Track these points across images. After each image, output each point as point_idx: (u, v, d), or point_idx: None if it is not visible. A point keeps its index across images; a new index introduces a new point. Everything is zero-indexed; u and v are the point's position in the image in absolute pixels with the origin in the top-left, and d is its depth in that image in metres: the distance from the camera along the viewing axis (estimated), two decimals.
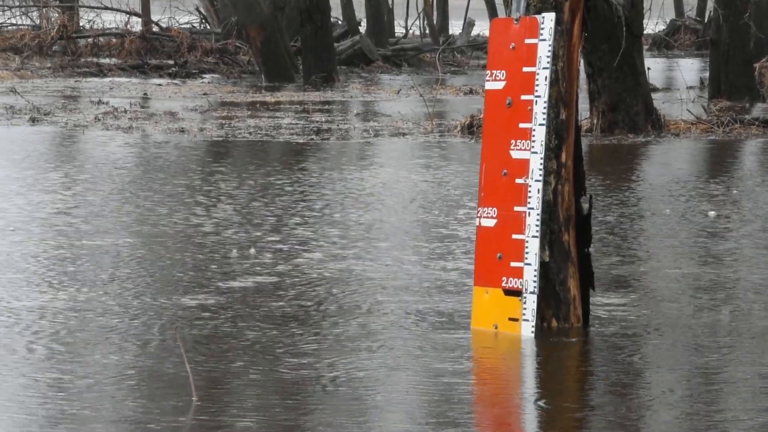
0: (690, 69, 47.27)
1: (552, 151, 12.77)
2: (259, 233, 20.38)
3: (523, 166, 12.72)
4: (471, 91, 42.50)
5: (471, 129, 30.63)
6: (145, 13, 61.72)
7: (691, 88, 41.24)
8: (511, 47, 13.20)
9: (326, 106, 37.86)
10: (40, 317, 14.17)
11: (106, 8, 62.58)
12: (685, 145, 30.17)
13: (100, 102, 39.68)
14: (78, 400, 10.43)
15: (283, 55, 45.44)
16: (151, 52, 54.51)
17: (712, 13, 44.29)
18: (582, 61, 13.65)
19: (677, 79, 44.00)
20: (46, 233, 20.65)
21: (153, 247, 19.47)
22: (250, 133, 32.02)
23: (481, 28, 63.76)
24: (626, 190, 23.40)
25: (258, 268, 17.34)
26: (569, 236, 13.05)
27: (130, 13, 58.52)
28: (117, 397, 10.73)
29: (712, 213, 23.23)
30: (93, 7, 62.58)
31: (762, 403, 10.70)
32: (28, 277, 17.55)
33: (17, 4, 59.19)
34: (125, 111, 37.51)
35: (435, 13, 62.25)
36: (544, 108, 12.70)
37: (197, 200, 23.50)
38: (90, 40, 58.74)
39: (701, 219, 22.11)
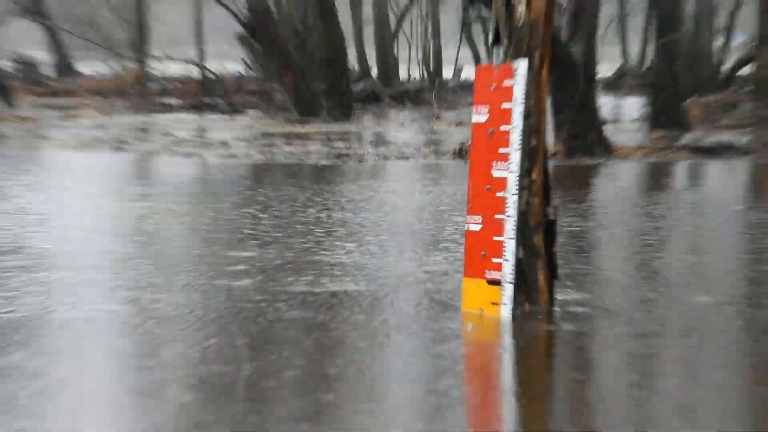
0: (633, 106, 47.14)
1: (525, 171, 13.40)
2: (289, 229, 20.48)
3: (502, 182, 13.38)
4: (460, 123, 42.63)
5: (460, 153, 30.90)
6: (201, 62, 61.18)
7: (634, 120, 41.24)
8: (492, 87, 13.78)
9: (345, 136, 38.05)
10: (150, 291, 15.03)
11: (171, 58, 62.06)
12: (629, 165, 30.65)
13: (166, 134, 39.80)
14: None
15: (310, 94, 45.50)
16: (206, 93, 54.37)
17: (651, 61, 44.14)
18: (549, 99, 13.85)
19: (624, 113, 43.86)
20: (135, 233, 21.12)
21: (210, 239, 19.85)
22: (285, 157, 32.41)
23: (468, 73, 63.41)
24: (583, 201, 23.96)
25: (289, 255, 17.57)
26: (539, 238, 13.68)
27: (189, 62, 58.10)
28: None
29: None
30: (160, 58, 62.13)
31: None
32: (143, 262, 18.07)
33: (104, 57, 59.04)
34: (186, 141, 37.55)
35: (432, 60, 62.07)
36: (519, 137, 13.25)
37: (247, 209, 23.50)
38: (159, 84, 57.93)
39: (641, 223, 22.21)
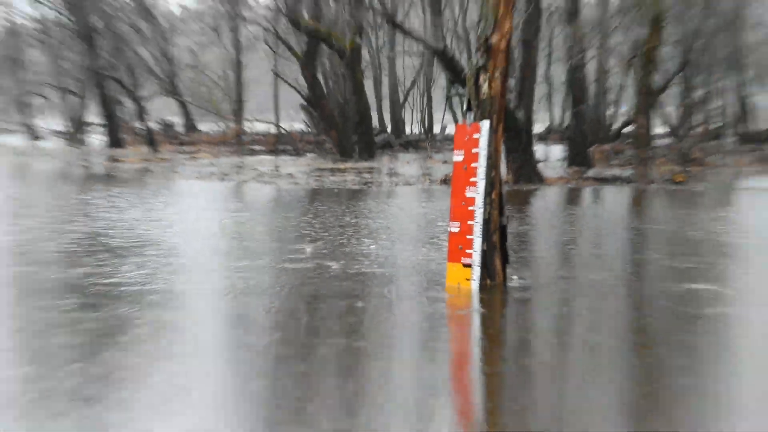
0: (556, 151, 46.57)
1: (487, 193, 13.66)
2: (333, 231, 20.21)
3: (472, 200, 13.66)
4: (445, 162, 42.42)
5: (445, 181, 30.67)
6: (277, 123, 60.68)
7: (557, 160, 40.98)
8: (466, 138, 13.99)
9: (369, 170, 37.94)
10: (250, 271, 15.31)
11: (257, 120, 61.50)
12: (554, 190, 30.45)
13: (254, 169, 39.95)
14: None
15: (347, 143, 45.37)
16: (280, 143, 54.07)
17: (568, 123, 43.71)
18: (503, 146, 13.90)
19: (550, 156, 43.41)
20: (233, 233, 20.94)
21: (281, 237, 19.77)
22: (330, 184, 32.54)
23: (450, 129, 62.87)
24: (525, 212, 23.81)
25: (325, 250, 17.63)
26: (496, 237, 13.84)
27: (269, 123, 57.78)
28: None
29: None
30: (251, 120, 61.62)
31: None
32: (237, 252, 18.22)
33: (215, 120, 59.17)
34: (267, 174, 37.42)
35: (426, 120, 61.95)
36: (484, 170, 13.50)
37: (304, 217, 23.19)
38: (249, 137, 58.04)
39: (561, 226, 22.26)
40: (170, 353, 10.24)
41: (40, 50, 57.53)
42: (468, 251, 13.49)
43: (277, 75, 57.36)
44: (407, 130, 59.21)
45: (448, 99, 43.10)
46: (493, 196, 13.57)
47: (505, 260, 13.82)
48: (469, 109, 14.01)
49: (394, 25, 38.70)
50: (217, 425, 7.90)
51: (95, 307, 12.17)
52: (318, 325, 11.88)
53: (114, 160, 43.74)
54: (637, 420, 8.24)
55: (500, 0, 14.02)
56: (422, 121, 61.07)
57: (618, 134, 45.71)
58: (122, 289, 13.47)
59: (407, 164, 42.48)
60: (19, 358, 10.26)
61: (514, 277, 14.22)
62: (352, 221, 22.27)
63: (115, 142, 51.42)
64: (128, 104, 52.13)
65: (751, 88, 49.33)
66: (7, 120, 60.14)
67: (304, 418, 8.28)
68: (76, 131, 57.16)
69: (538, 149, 38.83)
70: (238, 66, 57.40)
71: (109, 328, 11.12)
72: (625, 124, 45.17)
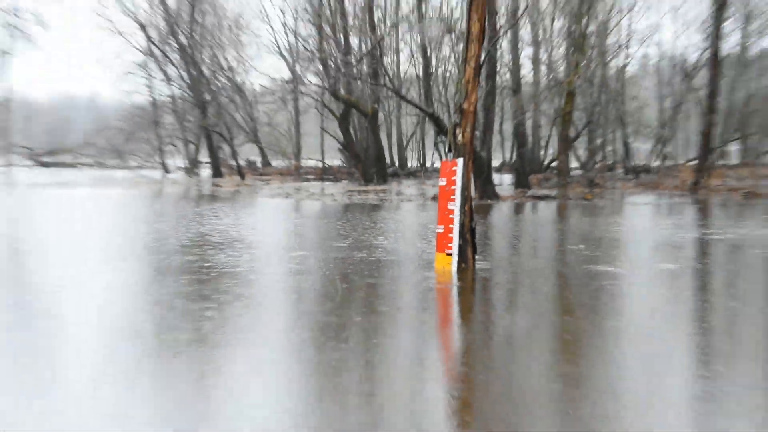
0: (507, 178, 46.21)
1: (462, 206, 13.52)
2: (359, 231, 19.82)
3: (452, 211, 13.72)
4: (434, 185, 42.08)
5: (433, 198, 30.40)
6: (322, 160, 60.42)
7: (508, 184, 40.67)
8: (448, 170, 13.92)
9: (383, 191, 37.73)
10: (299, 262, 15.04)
11: (309, 158, 61.29)
12: (506, 204, 30.16)
13: (307, 191, 39.71)
14: None
15: (368, 173, 45.01)
16: (324, 173, 53.70)
17: (515, 160, 43.37)
18: (471, 175, 13.81)
19: (504, 181, 43.10)
20: (293, 234, 20.62)
21: (325, 236, 19.36)
22: (357, 201, 32.28)
23: (437, 164, 63.12)
24: (486, 219, 23.48)
25: (351, 244, 17.41)
26: (468, 236, 13.79)
27: (317, 160, 57.65)
28: None
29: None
30: (305, 158, 61.44)
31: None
32: (296, 246, 17.89)
33: (282, 158, 59.14)
34: (315, 194, 37.20)
35: (422, 157, 61.59)
36: (460, 191, 13.43)
37: (340, 223, 22.76)
38: (304, 169, 57.80)
39: (512, 228, 21.86)
40: (247, 307, 10.44)
41: (171, 115, 58.26)
42: (449, 245, 13.41)
43: (323, 129, 57.27)
44: (409, 164, 58.95)
45: (436, 144, 42.84)
46: (466, 208, 13.56)
47: (474, 251, 13.74)
48: (449, 150, 13.97)
49: (400, 97, 38.88)
50: (280, 345, 8.60)
51: (200, 282, 12.40)
52: (350, 289, 11.99)
53: (216, 186, 43.79)
54: (550, 336, 8.82)
55: (469, 80, 14.01)
56: (419, 158, 60.82)
57: (547, 167, 45.72)
58: (218, 269, 13.59)
59: (408, 187, 42.34)
60: (154, 312, 10.59)
61: (480, 261, 14.15)
62: (371, 225, 21.98)
63: (217, 173, 51.67)
64: (226, 149, 52.59)
65: (631, 138, 49.99)
66: (150, 161, 61.00)
67: (343, 334, 8.93)
68: (192, 167, 57.91)
69: (495, 177, 38.88)
70: (297, 124, 57.42)
71: (209, 291, 11.35)
72: (552, 160, 45.14)
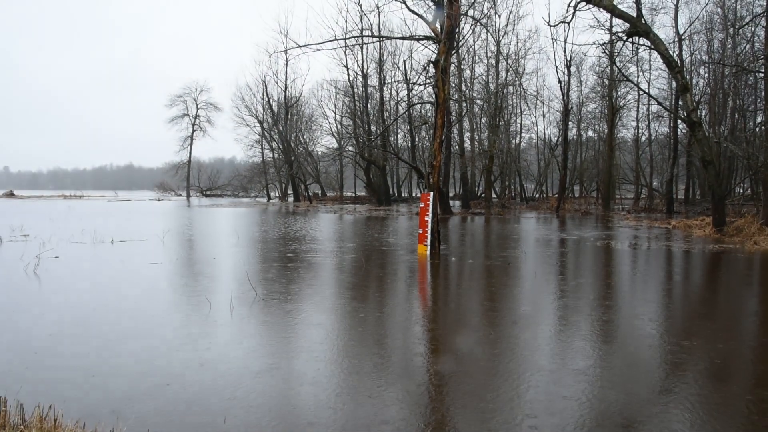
0: (457, 202, 45.05)
1: (432, 217, 13.20)
2: (381, 234, 19.63)
3: (427, 221, 13.57)
4: (417, 207, 41.31)
5: (417, 213, 29.88)
6: (355, 192, 59.97)
7: (459, 206, 39.98)
8: (424, 198, 13.39)
9: (388, 210, 37.05)
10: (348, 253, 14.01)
11: (348, 191, 61.05)
12: (457, 217, 28.97)
13: (346, 209, 39.03)
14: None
15: (380, 198, 44.39)
16: (355, 200, 52.97)
17: (462, 191, 42.71)
18: (438, 200, 13.79)
19: (456, 204, 42.17)
20: (338, 232, 20.34)
21: (361, 233, 19.25)
22: (370, 215, 31.34)
23: (418, 194, 61.69)
24: (446, 225, 22.81)
25: (371, 240, 17.16)
26: (436, 234, 13.46)
27: (352, 192, 57.64)
28: None
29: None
30: (344, 191, 60.64)
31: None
32: (339, 239, 17.52)
33: (330, 190, 58.80)
34: (350, 210, 36.52)
35: (412, 190, 60.58)
36: (431, 209, 13.10)
37: (365, 227, 22.52)
38: (346, 198, 57.23)
39: (460, 230, 21.40)
40: (314, 276, 10.63)
41: (273, 167, 57.60)
42: (426, 240, 13.53)
43: (356, 176, 57.60)
44: (404, 194, 58.26)
45: (419, 184, 42.66)
46: (435, 219, 13.70)
47: (439, 243, 13.90)
48: (426, 187, 14.16)
49: (398, 158, 38.86)
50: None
51: (287, 258, 12.47)
52: (369, 260, 12.03)
53: (295, 206, 43.14)
54: (477, 281, 9.12)
55: (436, 149, 14.27)
56: (409, 190, 60.17)
57: (479, 196, 45.16)
58: (297, 254, 13.67)
59: (403, 207, 41.65)
60: (268, 285, 10.34)
61: (442, 249, 14.16)
62: (381, 227, 21.65)
63: (296, 200, 51.43)
64: (302, 185, 51.93)
65: (523, 181, 49.93)
66: (261, 193, 60.76)
67: (366, 281, 8.87)
68: (283, 196, 57.25)
69: (451, 202, 38.28)
70: (341, 172, 57.28)
71: (290, 260, 11.43)
72: (481, 193, 44.63)
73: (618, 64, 31.02)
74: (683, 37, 29.94)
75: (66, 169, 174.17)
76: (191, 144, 65.73)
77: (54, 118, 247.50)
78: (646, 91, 32.95)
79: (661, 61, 22.09)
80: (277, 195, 59.10)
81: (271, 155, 56.54)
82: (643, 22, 18.77)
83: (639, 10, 19.34)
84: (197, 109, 65.54)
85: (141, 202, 51.32)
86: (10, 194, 69.00)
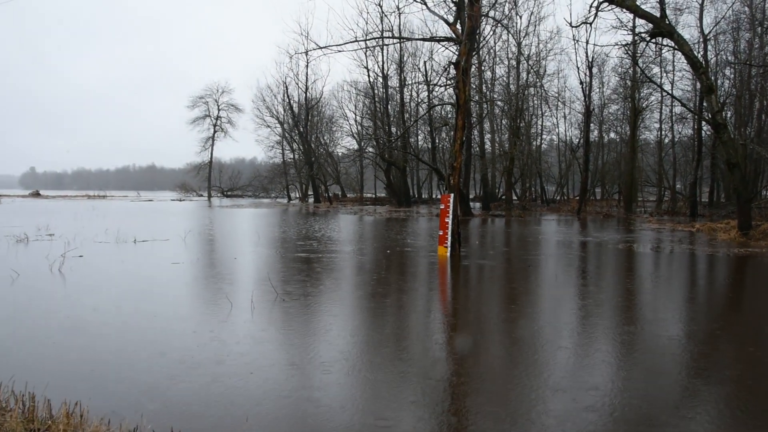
0: (478, 204, 43.81)
1: (453, 219, 13.13)
2: (401, 236, 19.60)
3: (447, 222, 13.51)
4: (437, 208, 41.21)
5: (437, 215, 29.82)
6: (375, 193, 60.09)
7: (479, 208, 39.66)
8: (445, 200, 13.40)
9: (408, 211, 36.78)
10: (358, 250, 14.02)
11: (368, 193, 61.14)
12: (477, 219, 28.89)
13: (366, 210, 38.94)
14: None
15: (401, 199, 44.30)
16: (375, 201, 52.96)
17: (482, 193, 42.37)
18: (459, 202, 13.73)
19: (476, 206, 41.65)
20: (358, 233, 20.36)
21: (383, 235, 19.24)
22: (391, 216, 31.19)
23: (439, 195, 61.70)
24: (466, 227, 22.72)
25: (401, 239, 17.16)
26: (456, 236, 13.42)
27: (372, 193, 57.77)
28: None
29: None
30: (364, 192, 60.63)
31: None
32: (359, 239, 17.56)
33: (349, 191, 58.75)
34: (370, 211, 36.39)
35: (432, 192, 60.18)
36: (451, 211, 13.05)
37: (386, 228, 22.37)
38: (366, 199, 56.91)
39: (481, 231, 21.31)
40: (334, 277, 10.65)
41: (293, 168, 57.87)
42: (446, 242, 13.48)
43: (376, 177, 57.71)
44: (423, 196, 58.02)
45: (439, 185, 42.58)
46: (455, 220, 13.67)
47: (459, 244, 13.87)
48: (446, 189, 14.13)
49: (418, 159, 38.85)
50: (350, 300, 8.41)
51: (306, 261, 12.49)
52: (389, 262, 12.08)
53: (316, 207, 43.14)
54: (497, 281, 9.01)
55: (456, 150, 14.24)
56: (429, 192, 59.91)
57: (499, 198, 44.88)
58: (317, 254, 13.71)
59: (424, 208, 41.42)
60: (288, 285, 10.29)
61: (462, 250, 14.13)
62: (401, 229, 21.61)
63: (317, 200, 51.42)
64: (322, 186, 52.10)
65: (544, 183, 49.48)
66: (281, 193, 60.96)
67: (387, 280, 8.83)
68: (303, 197, 57.21)
69: (471, 204, 38.15)
70: (361, 173, 57.31)
71: (313, 269, 11.53)
72: (502, 195, 44.38)
73: (641, 65, 30.69)
74: (708, 37, 29.50)
75: (90, 170, 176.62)
76: (212, 145, 66.51)
77: (79, 119, 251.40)
78: (670, 92, 32.57)
79: (685, 61, 21.85)
80: (298, 196, 59.27)
81: (292, 156, 56.80)
82: (667, 22, 18.57)
83: (663, 10, 19.12)
84: (218, 110, 66.36)
85: (163, 203, 51.86)
86: (36, 194, 70.37)
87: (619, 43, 37.92)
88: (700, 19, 29.17)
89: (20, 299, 8.06)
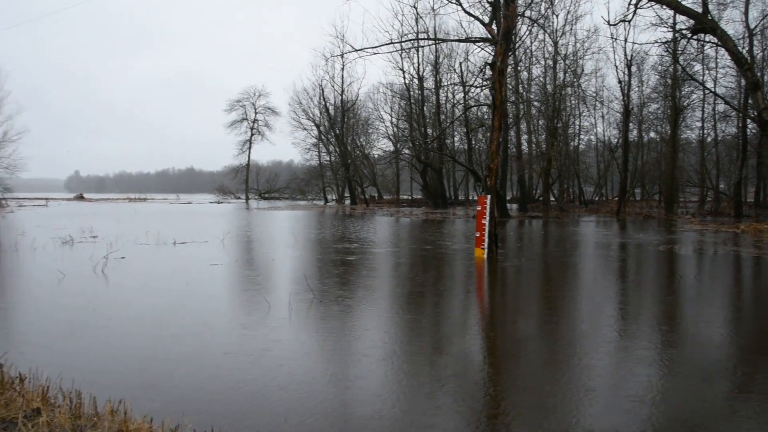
0: (515, 205, 44.64)
1: (490, 220, 13.04)
2: (437, 237, 19.39)
3: (484, 224, 13.37)
4: (473, 210, 41.02)
5: (474, 216, 29.59)
6: (412, 195, 60.18)
7: (516, 209, 39.46)
8: (481, 201, 13.32)
9: (445, 212, 36.48)
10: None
11: (404, 194, 61.14)
12: (514, 221, 28.49)
13: (402, 212, 38.94)
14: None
15: (436, 200, 44.16)
16: (412, 202, 52.91)
17: (519, 194, 42.02)
18: (495, 205, 13.63)
19: (513, 207, 41.60)
20: (395, 235, 20.29)
21: (412, 237, 19.20)
22: (427, 218, 31.04)
23: (475, 197, 61.08)
24: (503, 229, 22.38)
25: (424, 239, 17.03)
26: (493, 237, 13.41)
27: (408, 195, 57.76)
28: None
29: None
30: (401, 195, 60.47)
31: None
32: (394, 241, 17.56)
33: (384, 192, 59.07)
34: (406, 213, 36.33)
35: (468, 193, 59.86)
36: (488, 212, 13.00)
37: (419, 229, 22.44)
38: (402, 201, 57.40)
39: (518, 233, 21.09)
40: (370, 278, 10.68)
41: (329, 171, 57.66)
42: (483, 243, 13.37)
43: (412, 178, 57.73)
44: (460, 197, 57.64)
45: (476, 187, 42.29)
46: (492, 222, 13.56)
47: (496, 246, 13.78)
48: (483, 190, 14.06)
49: (454, 160, 38.67)
50: (387, 302, 8.37)
51: (341, 264, 12.54)
52: (426, 263, 12.03)
53: (352, 209, 43.19)
54: (534, 283, 9.01)
55: (493, 152, 14.16)
56: (466, 193, 59.48)
57: (536, 199, 44.33)
58: (353, 256, 13.73)
59: (460, 210, 41.11)
60: (325, 287, 10.38)
61: (499, 251, 14.00)
62: (438, 231, 21.50)
63: (353, 202, 51.51)
64: (358, 188, 52.25)
65: (582, 184, 48.69)
66: (318, 195, 61.12)
67: (425, 282, 8.81)
68: (340, 199, 57.36)
69: (508, 205, 37.69)
70: (397, 175, 57.08)
71: (350, 271, 11.59)
72: (539, 196, 43.85)
73: (682, 62, 30.02)
74: (754, 32, 28.71)
75: (131, 173, 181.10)
76: (250, 148, 67.37)
77: (120, 124, 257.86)
78: (712, 90, 31.80)
79: (728, 58, 21.29)
80: (334, 198, 59.55)
81: (328, 158, 57.19)
82: (710, 17, 18.14)
83: (705, 5, 18.66)
84: (255, 113, 67.22)
85: (201, 205, 52.82)
86: (80, 197, 72.76)
87: (659, 41, 37.15)
88: (746, 13, 28.45)
89: (65, 299, 8.27)
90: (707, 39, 21.91)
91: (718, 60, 33.62)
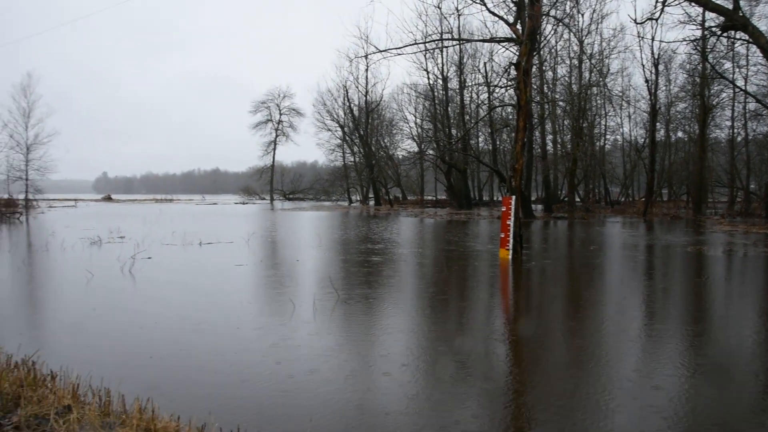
0: (540, 206, 44.19)
1: (515, 221, 12.98)
2: (462, 238, 19.34)
3: (509, 225, 13.34)
4: (498, 211, 40.75)
5: (498, 217, 29.49)
6: (435, 195, 60.06)
7: (541, 210, 39.20)
8: (506, 202, 13.29)
9: (469, 213, 36.21)
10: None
11: (428, 195, 60.83)
12: (539, 221, 28.27)
13: (426, 213, 38.82)
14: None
15: (461, 201, 43.93)
16: (436, 203, 52.77)
17: (544, 194, 41.67)
18: (520, 206, 13.45)
19: (538, 208, 40.54)
20: (415, 236, 20.24)
21: (435, 238, 19.13)
22: (451, 219, 30.90)
23: (500, 197, 60.50)
24: (528, 229, 22.30)
25: (445, 239, 16.96)
26: (518, 238, 13.30)
27: (433, 196, 57.41)
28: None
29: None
30: (424, 196, 60.04)
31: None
32: (419, 243, 17.50)
33: (409, 193, 59.09)
34: (430, 214, 36.27)
35: (492, 194, 59.23)
36: (512, 213, 12.91)
37: (447, 231, 22.33)
38: (428, 201, 57.13)
39: (543, 234, 21.01)
40: (395, 279, 10.67)
41: (354, 171, 58.18)
42: (507, 244, 13.30)
43: (436, 179, 57.66)
44: (484, 198, 57.18)
45: (500, 187, 41.90)
46: (517, 223, 13.48)
47: (521, 247, 13.66)
48: (507, 191, 13.98)
49: (479, 161, 38.58)
50: (411, 303, 8.35)
51: (365, 265, 12.51)
52: (450, 264, 11.96)
53: (376, 210, 43.17)
54: (558, 283, 8.94)
55: (518, 152, 14.08)
56: (490, 194, 58.95)
57: (561, 200, 43.88)
58: (378, 257, 13.73)
59: (484, 210, 40.88)
60: (349, 287, 10.37)
61: (524, 252, 13.91)
62: (462, 232, 21.43)
63: (377, 203, 51.47)
64: (383, 189, 52.20)
65: (608, 184, 47.98)
66: (342, 196, 61.27)
67: (449, 282, 8.81)
68: (364, 199, 57.40)
69: (532, 206, 37.38)
70: (422, 176, 56.71)
71: (374, 272, 11.57)
72: (564, 196, 43.37)
73: (711, 60, 29.52)
74: None
75: (157, 174, 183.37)
76: (274, 149, 67.99)
77: (147, 126, 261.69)
78: (743, 88, 31.21)
79: (760, 55, 20.88)
80: (358, 198, 59.75)
81: (353, 159, 57.41)
82: (741, 14, 17.79)
83: (736, 1, 18.28)
84: (280, 114, 67.82)
85: (227, 206, 53.27)
86: (108, 198, 74.10)
87: (687, 39, 36.49)
88: None
89: (93, 298, 8.44)
90: (738, 36, 21.51)
91: (750, 57, 32.96)
